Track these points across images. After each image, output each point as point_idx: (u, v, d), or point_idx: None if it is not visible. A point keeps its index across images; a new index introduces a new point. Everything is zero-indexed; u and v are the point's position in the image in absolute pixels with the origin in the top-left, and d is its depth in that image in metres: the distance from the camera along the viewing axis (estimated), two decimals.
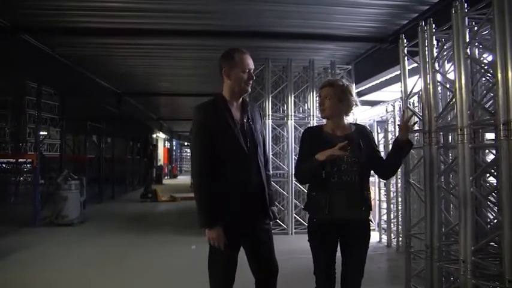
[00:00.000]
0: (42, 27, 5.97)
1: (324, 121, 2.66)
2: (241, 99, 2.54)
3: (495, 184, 3.30)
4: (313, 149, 2.44)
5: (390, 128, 6.30)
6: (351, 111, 2.58)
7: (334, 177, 2.41)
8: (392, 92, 7.78)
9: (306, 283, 2.88)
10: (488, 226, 3.24)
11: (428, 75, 3.25)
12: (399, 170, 5.87)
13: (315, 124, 7.00)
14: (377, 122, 7.35)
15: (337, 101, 2.49)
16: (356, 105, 2.55)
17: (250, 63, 2.48)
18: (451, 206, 3.57)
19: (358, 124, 2.70)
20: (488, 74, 3.15)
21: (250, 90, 2.51)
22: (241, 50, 2.49)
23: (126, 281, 4.60)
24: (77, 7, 5.34)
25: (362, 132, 2.57)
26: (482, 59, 3.36)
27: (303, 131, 2.88)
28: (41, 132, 9.32)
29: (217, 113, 2.43)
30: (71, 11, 5.45)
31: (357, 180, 2.44)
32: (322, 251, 2.51)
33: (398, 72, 6.52)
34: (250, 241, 2.50)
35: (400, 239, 5.85)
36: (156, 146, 17.11)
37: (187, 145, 32.99)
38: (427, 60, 3.26)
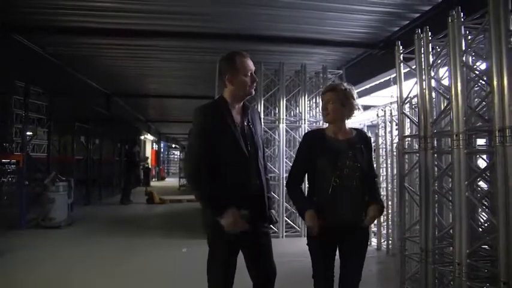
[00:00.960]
0: (32, 26, 5.86)
1: (319, 124, 2.69)
2: (242, 102, 2.54)
3: (486, 188, 3.39)
4: (314, 152, 2.47)
5: (381, 132, 6.38)
6: (353, 115, 2.61)
7: (336, 182, 2.42)
8: (381, 97, 7.88)
9: (302, 286, 2.91)
10: (480, 229, 3.32)
11: (424, 82, 3.31)
12: (392, 173, 6.00)
13: (306, 128, 7.05)
14: (367, 126, 7.44)
15: (340, 105, 2.52)
16: (358, 109, 2.59)
17: (251, 65, 2.49)
18: (444, 209, 3.64)
19: (358, 129, 2.73)
20: (482, 82, 3.23)
21: (254, 92, 2.52)
22: (242, 53, 2.49)
23: (116, 284, 4.54)
24: (68, 6, 5.27)
25: (362, 138, 2.61)
26: (475, 66, 3.45)
27: (303, 133, 2.90)
28: (28, 133, 9.13)
29: (218, 116, 2.42)
30: (62, 10, 5.37)
31: (358, 185, 2.46)
32: (322, 255, 2.53)
33: (388, 77, 6.68)
34: (250, 244, 2.49)
35: (390, 242, 5.91)
36: (136, 142, 15.10)
37: (175, 147, 32.73)
38: (423, 67, 3.32)
